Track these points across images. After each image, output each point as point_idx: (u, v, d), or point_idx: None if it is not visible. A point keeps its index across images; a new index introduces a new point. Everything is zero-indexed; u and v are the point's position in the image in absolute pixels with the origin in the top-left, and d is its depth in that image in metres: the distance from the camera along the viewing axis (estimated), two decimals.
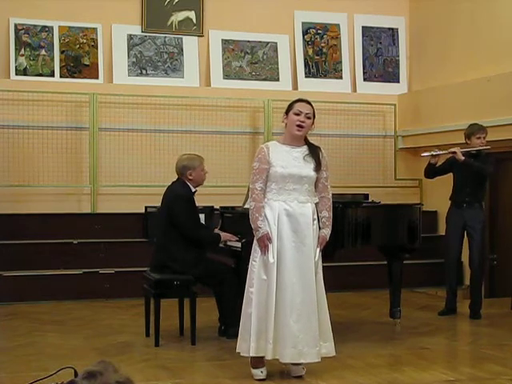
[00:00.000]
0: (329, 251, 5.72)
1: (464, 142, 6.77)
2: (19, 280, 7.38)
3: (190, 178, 5.64)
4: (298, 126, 4.57)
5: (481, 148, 6.65)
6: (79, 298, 7.42)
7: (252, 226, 4.54)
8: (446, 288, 6.91)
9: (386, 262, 6.25)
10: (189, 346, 5.44)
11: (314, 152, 4.63)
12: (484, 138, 6.65)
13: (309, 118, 4.61)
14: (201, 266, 5.54)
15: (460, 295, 7.12)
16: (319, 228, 4.63)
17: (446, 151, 6.73)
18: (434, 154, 6.76)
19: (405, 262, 6.24)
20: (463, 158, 6.55)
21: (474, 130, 6.68)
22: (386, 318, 6.32)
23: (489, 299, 7.77)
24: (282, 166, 4.53)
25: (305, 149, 4.63)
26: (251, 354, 4.50)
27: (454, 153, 6.60)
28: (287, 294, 4.45)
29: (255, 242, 4.57)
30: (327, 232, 4.66)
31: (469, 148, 6.66)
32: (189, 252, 5.53)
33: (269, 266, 4.47)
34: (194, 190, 5.67)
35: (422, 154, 7.00)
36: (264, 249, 4.49)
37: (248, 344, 4.49)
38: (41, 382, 3.49)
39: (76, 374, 2.67)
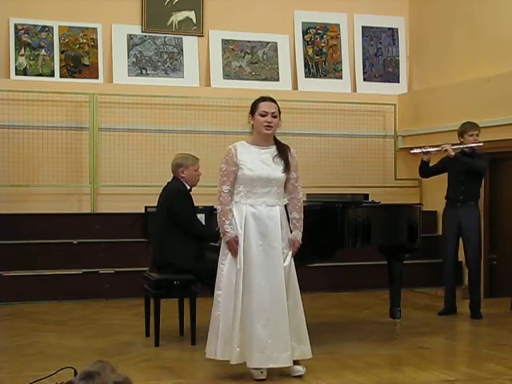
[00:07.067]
0: (329, 251, 5.73)
1: (458, 141, 6.76)
2: (19, 280, 7.38)
3: (183, 175, 5.70)
4: (267, 126, 4.53)
5: (474, 145, 6.62)
6: (79, 297, 7.42)
7: (220, 230, 4.54)
8: (444, 288, 6.92)
9: (386, 262, 6.26)
10: (189, 346, 5.44)
11: (283, 152, 4.57)
12: (477, 135, 6.62)
13: (275, 116, 4.54)
14: (201, 262, 5.56)
15: (459, 295, 7.12)
16: (290, 231, 4.59)
17: (437, 148, 6.72)
18: (425, 150, 6.76)
19: (405, 261, 6.25)
20: (453, 153, 6.56)
21: (466, 128, 6.66)
22: (386, 318, 6.33)
23: (489, 299, 7.77)
24: (249, 168, 4.49)
25: (273, 149, 4.58)
26: (218, 358, 4.48)
27: (445, 149, 6.60)
28: (254, 298, 4.41)
29: (223, 245, 4.56)
30: (298, 234, 4.60)
31: (462, 145, 6.66)
32: (189, 247, 5.55)
33: (236, 271, 4.45)
34: (188, 187, 5.72)
35: (412, 151, 7.00)
36: (233, 252, 4.48)
37: (215, 346, 4.47)
38: (41, 382, 3.50)
39: (76, 374, 2.67)
